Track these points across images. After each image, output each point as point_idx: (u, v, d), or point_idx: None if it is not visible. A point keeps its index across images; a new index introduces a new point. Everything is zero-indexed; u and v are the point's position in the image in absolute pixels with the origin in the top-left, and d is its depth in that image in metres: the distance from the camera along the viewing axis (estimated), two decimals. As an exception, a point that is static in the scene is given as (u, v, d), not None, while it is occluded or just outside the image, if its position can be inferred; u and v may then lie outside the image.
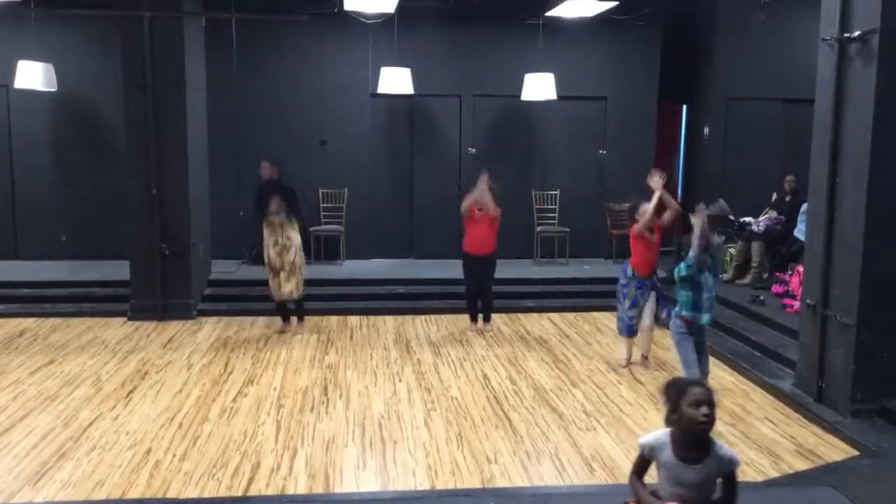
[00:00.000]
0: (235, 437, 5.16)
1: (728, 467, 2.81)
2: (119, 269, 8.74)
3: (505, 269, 8.80)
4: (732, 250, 9.32)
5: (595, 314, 8.78)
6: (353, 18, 9.58)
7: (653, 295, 6.61)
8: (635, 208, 6.66)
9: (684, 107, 11.64)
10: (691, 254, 5.36)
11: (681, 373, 5.51)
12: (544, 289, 9.40)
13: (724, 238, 9.45)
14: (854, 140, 5.36)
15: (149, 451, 4.91)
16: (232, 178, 9.59)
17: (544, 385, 6.33)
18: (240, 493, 4.39)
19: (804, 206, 7.48)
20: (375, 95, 10.09)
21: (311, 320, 8.16)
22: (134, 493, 4.36)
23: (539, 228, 10.49)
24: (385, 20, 9.57)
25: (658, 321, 6.65)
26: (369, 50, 9.95)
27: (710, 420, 2.73)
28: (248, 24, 9.45)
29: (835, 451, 5.06)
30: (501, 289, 8.72)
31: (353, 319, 8.49)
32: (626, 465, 4.74)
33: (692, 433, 2.75)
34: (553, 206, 10.61)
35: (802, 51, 8.87)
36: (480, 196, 7.53)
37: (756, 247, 8.96)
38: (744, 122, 10.60)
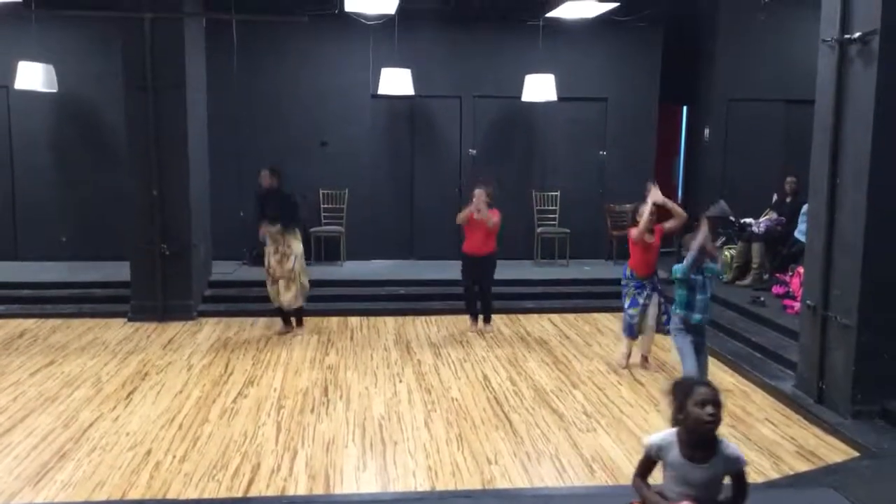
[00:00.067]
0: (236, 438, 5.16)
1: (735, 466, 2.82)
2: (119, 270, 8.75)
3: (505, 270, 8.80)
4: (733, 251, 9.32)
5: (595, 315, 8.77)
6: (354, 19, 9.59)
7: (656, 298, 6.60)
8: (637, 210, 6.67)
9: (685, 108, 11.64)
10: (687, 260, 5.40)
11: (681, 374, 5.52)
12: (545, 290, 9.40)
13: (724, 239, 9.50)
14: (854, 141, 5.36)
15: (149, 452, 4.91)
16: (232, 179, 9.59)
17: (545, 386, 6.33)
18: (240, 495, 4.39)
19: (805, 207, 7.47)
20: (376, 96, 10.09)
21: (311, 321, 8.16)
22: (134, 494, 4.36)
23: (539, 229, 10.49)
24: (385, 21, 9.58)
25: (659, 329, 6.64)
26: (370, 51, 9.95)
27: (716, 419, 2.74)
28: (249, 25, 9.46)
29: (835, 452, 5.06)
30: (502, 290, 8.72)
31: (354, 320, 8.50)
32: (626, 467, 4.74)
33: (698, 433, 2.76)
34: (553, 208, 10.61)
35: (803, 52, 8.87)
36: (477, 211, 7.54)
37: (756, 248, 8.95)
38: (744, 123, 10.60)
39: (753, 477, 4.62)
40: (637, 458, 4.78)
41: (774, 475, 4.69)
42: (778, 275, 8.60)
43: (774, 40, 10.25)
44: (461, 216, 7.69)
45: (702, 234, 5.38)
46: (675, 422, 2.83)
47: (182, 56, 8.21)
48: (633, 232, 6.58)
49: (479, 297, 7.99)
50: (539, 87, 9.64)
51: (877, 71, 5.13)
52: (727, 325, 7.64)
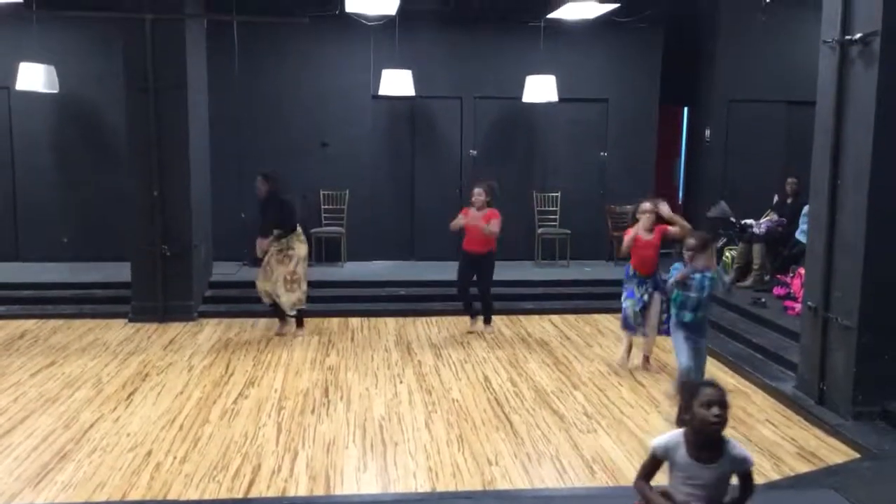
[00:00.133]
0: (236, 439, 5.16)
1: (742, 466, 2.84)
2: (120, 271, 8.75)
3: (506, 271, 8.82)
4: (734, 253, 9.32)
5: (596, 316, 8.77)
6: (355, 20, 9.59)
7: (658, 297, 6.58)
8: (637, 210, 6.67)
9: (685, 109, 11.64)
10: (674, 276, 5.41)
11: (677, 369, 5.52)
12: (545, 291, 9.40)
13: (725, 240, 9.50)
14: (855, 142, 5.36)
15: (149, 453, 4.91)
16: (233, 180, 9.59)
17: (545, 387, 6.33)
18: (240, 496, 4.38)
19: (806, 209, 7.47)
20: (376, 97, 10.09)
21: (311, 322, 8.15)
22: (135, 495, 4.36)
23: (540, 230, 10.49)
24: (386, 22, 9.58)
25: (660, 330, 6.63)
26: (370, 52, 9.96)
27: (722, 420, 2.76)
28: (250, 27, 9.46)
29: (836, 453, 5.06)
30: (502, 290, 8.72)
31: (354, 321, 8.49)
32: (627, 467, 4.74)
33: (704, 433, 2.77)
34: (554, 208, 10.61)
35: (804, 53, 8.85)
36: (475, 224, 7.53)
37: (757, 249, 8.95)
38: (745, 124, 10.60)
39: (754, 478, 4.61)
40: (638, 458, 4.80)
41: (775, 476, 4.68)
42: (779, 276, 8.60)
43: (775, 41, 10.24)
44: (454, 224, 7.65)
45: (701, 261, 5.32)
46: (682, 422, 2.84)
47: (183, 57, 8.21)
48: (625, 240, 6.62)
49: (477, 297, 7.98)
50: (540, 88, 9.64)
51: (878, 72, 5.13)
52: (728, 326, 7.65)
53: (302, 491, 4.44)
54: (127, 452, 4.92)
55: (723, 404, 2.76)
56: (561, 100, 9.84)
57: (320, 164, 10.29)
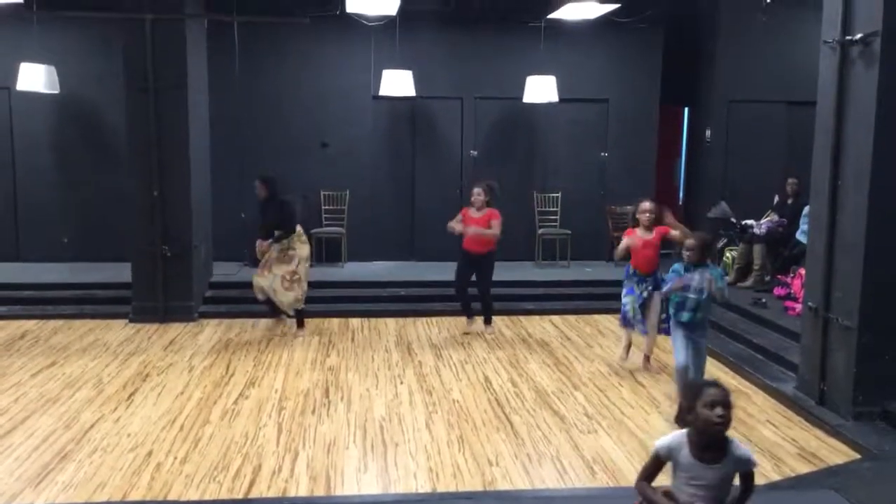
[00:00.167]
0: (237, 440, 5.16)
1: (746, 467, 2.86)
2: (121, 271, 8.75)
3: (506, 272, 8.81)
4: (734, 253, 9.32)
5: (596, 317, 8.77)
6: (355, 21, 9.59)
7: (657, 298, 6.58)
8: (637, 210, 6.66)
9: (686, 109, 11.64)
10: (669, 285, 5.41)
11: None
12: (545, 291, 9.40)
13: (726, 241, 9.50)
14: (856, 142, 5.36)
15: (150, 454, 4.91)
16: (234, 180, 9.59)
17: (546, 387, 6.33)
18: (241, 496, 4.39)
19: (806, 209, 7.47)
20: (377, 98, 10.09)
21: (312, 322, 8.16)
22: (135, 496, 4.36)
23: (540, 231, 10.49)
24: (387, 22, 9.58)
25: (660, 330, 6.63)
26: (371, 52, 9.96)
27: (726, 421, 2.76)
28: (250, 27, 9.46)
29: (837, 454, 5.06)
30: (503, 291, 8.72)
31: (355, 322, 8.50)
32: (627, 468, 4.74)
33: (708, 434, 2.78)
34: (554, 209, 10.61)
35: (804, 53, 8.86)
36: (475, 234, 7.53)
37: (758, 249, 8.95)
38: (745, 124, 10.59)
39: (755, 478, 4.61)
40: (639, 459, 4.81)
41: (776, 477, 4.68)
42: (779, 276, 8.60)
43: (775, 42, 10.24)
44: (452, 227, 7.62)
45: (695, 281, 5.31)
46: (685, 423, 2.85)
47: (183, 57, 8.21)
48: (620, 247, 6.64)
49: (476, 298, 7.97)
50: (540, 89, 9.64)
51: (878, 72, 5.13)
52: (728, 326, 7.64)
53: (302, 491, 4.44)
54: (127, 453, 4.92)
55: (726, 405, 2.76)
56: (561, 100, 9.84)
57: (321, 165, 10.29)
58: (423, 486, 4.53)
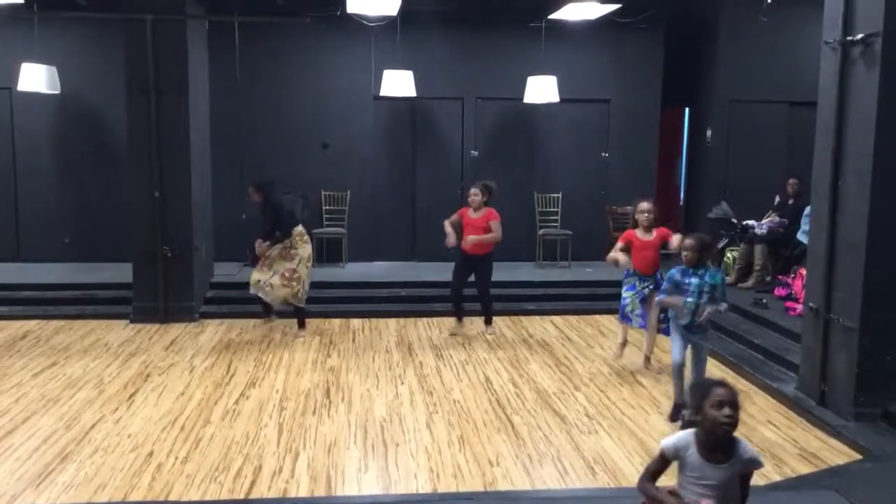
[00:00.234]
0: (237, 440, 5.16)
1: (752, 467, 2.87)
2: (121, 272, 8.75)
3: (507, 272, 8.81)
4: (735, 253, 9.32)
5: (597, 317, 8.77)
6: (356, 21, 9.59)
7: (658, 297, 6.57)
8: (636, 210, 6.66)
9: (687, 110, 11.64)
10: (663, 298, 5.43)
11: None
12: (546, 291, 9.40)
13: (727, 241, 9.49)
14: (857, 143, 5.36)
15: (151, 454, 4.91)
16: (234, 181, 9.59)
17: (546, 388, 6.33)
18: (242, 496, 4.39)
19: (807, 209, 7.47)
20: (378, 98, 10.09)
21: (313, 323, 8.16)
22: (136, 496, 4.36)
23: (541, 231, 10.49)
24: (387, 23, 9.58)
25: (659, 330, 6.63)
26: (372, 52, 9.96)
27: (733, 421, 2.76)
28: (251, 27, 9.46)
29: (838, 454, 5.05)
30: (503, 291, 8.73)
31: (356, 322, 8.50)
32: (628, 468, 4.74)
33: (715, 434, 2.77)
34: (555, 209, 10.61)
35: (805, 53, 8.87)
36: (475, 242, 7.53)
37: (759, 250, 8.95)
38: (746, 125, 10.58)
39: (755, 479, 4.58)
40: (639, 459, 4.81)
41: (777, 478, 4.68)
42: (780, 277, 8.60)
43: (776, 42, 10.23)
44: (447, 235, 7.60)
45: (678, 306, 5.33)
46: (691, 423, 2.85)
47: (184, 58, 8.21)
48: (616, 252, 6.65)
49: (472, 299, 7.95)
50: (541, 89, 9.64)
51: (879, 72, 5.12)
52: (729, 327, 7.64)
53: (303, 492, 4.44)
54: (128, 453, 4.92)
55: (734, 405, 2.77)
56: (562, 100, 9.84)
57: (321, 165, 10.29)
58: (423, 487, 4.53)
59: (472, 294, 7.95)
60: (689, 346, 5.39)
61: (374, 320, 8.57)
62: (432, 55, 10.20)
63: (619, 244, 6.66)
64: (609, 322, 8.47)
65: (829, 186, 5.59)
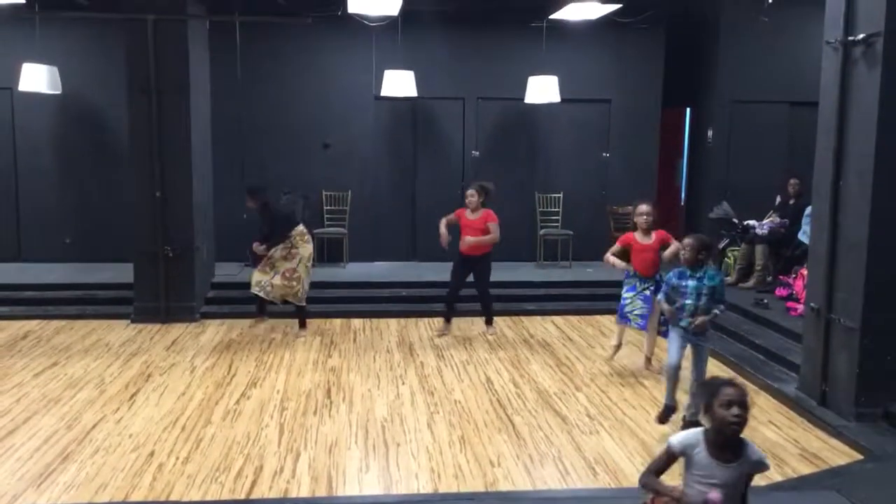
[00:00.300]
0: (238, 440, 5.16)
1: (759, 469, 2.87)
2: (122, 272, 8.75)
3: (508, 272, 8.80)
4: (736, 253, 9.31)
5: (598, 317, 8.77)
6: (357, 21, 9.58)
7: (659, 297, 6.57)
8: (636, 211, 6.66)
9: (688, 110, 11.63)
10: (662, 299, 5.44)
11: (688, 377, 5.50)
12: (547, 292, 9.39)
13: (728, 241, 9.49)
14: (858, 143, 5.36)
15: (152, 454, 4.91)
16: (235, 181, 9.59)
17: (547, 388, 6.33)
18: (243, 496, 4.39)
19: (808, 209, 7.47)
20: (379, 98, 10.09)
21: (313, 323, 8.16)
22: (137, 496, 4.36)
23: (542, 231, 10.49)
24: (389, 23, 9.58)
25: (659, 331, 6.63)
26: (373, 53, 9.96)
27: (742, 421, 2.76)
28: (252, 27, 9.46)
29: (839, 455, 5.05)
30: (504, 292, 8.73)
31: (357, 322, 8.50)
32: (629, 469, 4.73)
33: (724, 434, 2.78)
34: (556, 209, 10.60)
35: (806, 53, 8.87)
36: (474, 244, 7.54)
37: (760, 250, 8.94)
38: (748, 125, 10.57)
39: (756, 480, 4.60)
40: (640, 459, 4.81)
41: (778, 478, 4.67)
42: (781, 277, 8.59)
43: (777, 42, 10.22)
44: (442, 236, 7.61)
45: (668, 312, 5.34)
46: (693, 423, 2.86)
47: (185, 58, 8.21)
48: (614, 256, 6.67)
49: (469, 301, 7.94)
50: (542, 89, 9.63)
51: (881, 72, 5.12)
52: (730, 327, 7.63)
53: (304, 492, 4.44)
54: (129, 453, 4.92)
55: (743, 404, 2.76)
56: (563, 100, 9.83)
57: (322, 165, 10.29)
58: (424, 487, 4.53)
59: (472, 294, 7.94)
60: (690, 347, 5.36)
61: (375, 320, 8.57)
62: (433, 55, 10.20)
63: (617, 246, 6.66)
64: (610, 322, 8.45)
65: (830, 186, 5.59)
